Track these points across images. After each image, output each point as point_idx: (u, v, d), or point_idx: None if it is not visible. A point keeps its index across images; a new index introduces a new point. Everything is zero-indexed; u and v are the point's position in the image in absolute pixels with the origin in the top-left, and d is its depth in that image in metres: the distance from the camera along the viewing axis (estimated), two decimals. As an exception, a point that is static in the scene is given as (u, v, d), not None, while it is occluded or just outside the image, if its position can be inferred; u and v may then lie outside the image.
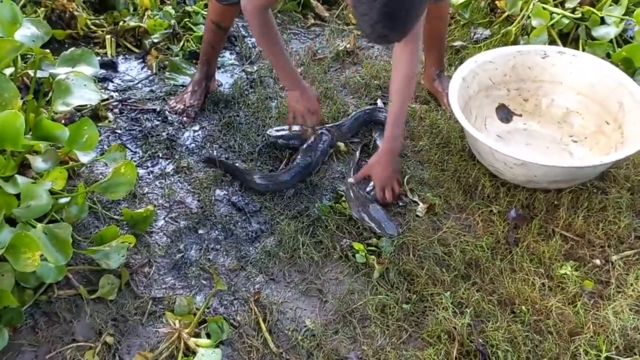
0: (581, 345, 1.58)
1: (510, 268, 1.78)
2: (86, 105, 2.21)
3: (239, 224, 1.91)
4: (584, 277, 1.76)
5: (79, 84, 1.60)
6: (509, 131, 2.28)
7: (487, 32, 2.77)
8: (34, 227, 1.49)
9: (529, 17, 2.63)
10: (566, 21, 2.58)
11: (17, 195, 1.49)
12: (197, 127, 2.26)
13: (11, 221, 1.49)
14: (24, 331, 1.55)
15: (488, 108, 2.28)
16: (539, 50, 2.28)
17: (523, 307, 1.67)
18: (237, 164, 2.08)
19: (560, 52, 2.27)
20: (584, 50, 2.50)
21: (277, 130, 2.18)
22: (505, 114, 2.31)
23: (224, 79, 2.51)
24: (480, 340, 1.57)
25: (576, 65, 2.22)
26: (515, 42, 2.64)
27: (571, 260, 1.81)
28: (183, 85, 2.43)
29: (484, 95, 2.26)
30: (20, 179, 1.51)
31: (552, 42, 2.56)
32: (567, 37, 2.63)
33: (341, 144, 2.17)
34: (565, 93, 2.27)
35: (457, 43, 2.72)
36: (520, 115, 2.32)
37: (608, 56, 2.47)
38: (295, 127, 2.15)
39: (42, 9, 2.50)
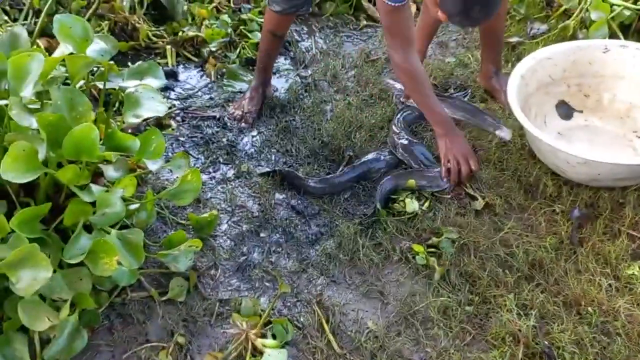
0: (653, 347, 1.54)
1: (575, 269, 1.75)
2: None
3: (299, 227, 1.95)
4: (653, 278, 1.71)
5: (147, 96, 1.67)
6: (570, 128, 2.23)
7: (544, 27, 2.72)
8: (109, 233, 1.57)
9: (587, 10, 2.57)
10: (628, 13, 2.50)
11: (92, 204, 1.58)
12: (255, 133, 2.31)
13: (86, 228, 1.58)
14: (101, 332, 1.63)
15: (548, 105, 2.24)
16: (600, 44, 2.22)
17: (589, 309, 1.64)
18: (290, 169, 2.11)
19: (623, 45, 2.20)
20: (647, 42, 2.41)
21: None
22: (565, 110, 2.26)
23: (279, 84, 2.56)
24: (546, 343, 1.56)
25: (640, 58, 2.16)
26: (573, 37, 2.57)
27: (639, 260, 1.76)
28: (241, 92, 2.49)
29: (544, 92, 2.22)
30: (94, 187, 1.60)
31: (612, 35, 2.49)
32: (629, 30, 2.54)
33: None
34: (628, 87, 2.20)
35: (514, 39, 2.67)
36: (581, 112, 2.27)
37: (674, 48, 2.38)
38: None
39: (106, 22, 2.62)
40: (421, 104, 2.06)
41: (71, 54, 1.58)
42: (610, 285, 1.70)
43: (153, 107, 1.64)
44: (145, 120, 2.25)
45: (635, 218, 1.87)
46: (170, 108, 2.39)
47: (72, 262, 1.42)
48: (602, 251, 1.79)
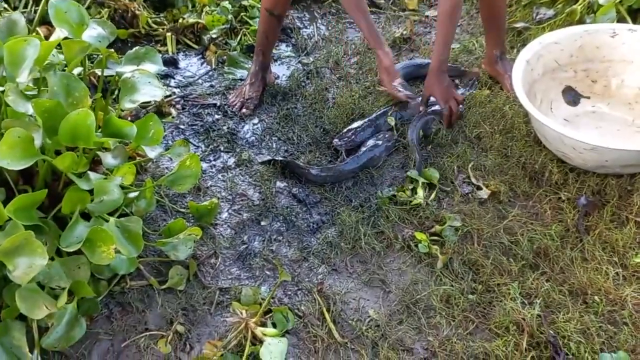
0: (660, 337, 1.51)
1: (581, 257, 1.72)
2: (150, 102, 2.28)
3: (300, 215, 1.92)
4: (661, 266, 1.68)
5: (144, 81, 1.65)
6: (577, 114, 2.19)
7: (551, 12, 2.66)
8: (107, 221, 1.55)
9: (595, -6, 2.51)
10: (637, -4, 2.44)
11: (90, 191, 1.56)
12: (256, 120, 2.29)
13: (85, 216, 1.56)
14: (100, 320, 1.62)
15: (554, 91, 2.20)
16: (608, 28, 2.17)
17: (596, 298, 1.61)
18: (291, 159, 2.09)
19: (631, 29, 2.15)
20: (656, 26, 2.36)
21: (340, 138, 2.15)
22: (572, 96, 2.22)
23: (280, 71, 2.52)
24: (551, 332, 1.53)
25: (649, 42, 2.11)
26: (580, 22, 2.52)
27: (647, 249, 1.73)
28: (242, 79, 2.46)
29: (550, 77, 2.18)
30: (92, 175, 1.58)
31: (620, 19, 2.44)
32: (637, 14, 2.49)
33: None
34: (636, 72, 2.15)
35: (519, 24, 2.63)
36: (589, 98, 2.22)
37: (683, 32, 2.33)
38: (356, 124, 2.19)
39: (106, 9, 2.59)
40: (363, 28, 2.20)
41: (66, 38, 1.55)
42: (617, 273, 1.67)
43: (150, 91, 1.62)
44: (144, 107, 2.24)
45: (643, 205, 1.84)
46: (170, 96, 2.37)
47: (69, 250, 1.40)
48: (609, 239, 1.76)
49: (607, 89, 2.21)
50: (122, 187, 1.72)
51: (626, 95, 2.18)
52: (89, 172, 1.59)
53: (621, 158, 1.81)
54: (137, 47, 1.79)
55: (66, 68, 1.65)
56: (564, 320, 1.56)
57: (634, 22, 2.41)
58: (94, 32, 1.68)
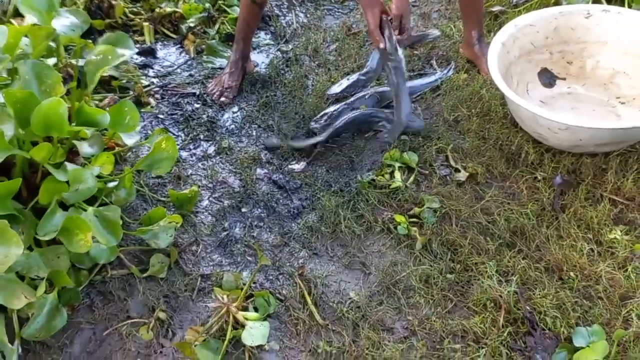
0: (633, 309, 1.54)
1: (557, 235, 1.75)
2: (129, 92, 2.28)
3: (281, 201, 1.93)
4: (634, 241, 1.71)
5: (108, 59, 1.63)
6: (553, 96, 2.22)
7: (527, -5, 2.68)
8: (85, 210, 1.55)
9: (570, -24, 2.53)
10: (610, -22, 2.47)
11: (68, 182, 1.56)
12: (235, 109, 2.29)
13: (64, 206, 1.56)
14: (81, 310, 1.62)
15: (530, 73, 2.22)
16: (582, 9, 2.19)
17: (571, 274, 1.64)
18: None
19: (605, 10, 2.17)
20: (630, 7, 2.39)
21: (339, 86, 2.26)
22: (548, 78, 2.25)
23: (259, 59, 2.52)
24: (528, 308, 1.56)
25: (622, 23, 2.13)
26: (556, 3, 2.54)
27: (621, 225, 1.76)
28: (220, 68, 2.46)
29: (526, 60, 2.20)
30: (69, 165, 1.57)
31: (595, 0, 2.46)
32: (612, -5, 2.52)
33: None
34: (611, 53, 2.18)
35: (496, 8, 2.64)
36: (564, 79, 2.25)
37: (656, 12, 2.36)
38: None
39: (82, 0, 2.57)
40: None
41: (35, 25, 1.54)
42: (592, 250, 1.70)
43: (116, 60, 1.61)
44: (122, 97, 2.24)
45: (617, 183, 1.87)
46: (149, 85, 2.36)
47: (46, 238, 1.41)
48: (584, 217, 1.79)
49: (582, 70, 2.23)
50: (100, 176, 1.72)
51: (601, 75, 2.21)
52: (66, 162, 1.59)
53: (595, 137, 1.84)
54: (108, 34, 1.78)
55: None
56: (540, 296, 1.59)
57: (608, 2, 2.43)
58: (67, 21, 1.67)
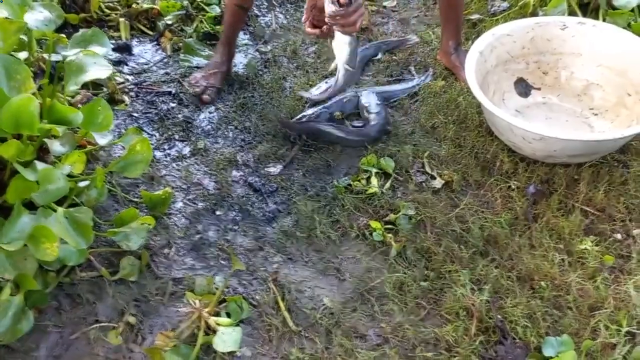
0: (601, 320, 1.57)
1: (529, 244, 1.77)
2: (102, 89, 2.23)
3: (256, 204, 1.92)
4: (604, 252, 1.74)
5: (90, 62, 1.60)
6: (528, 106, 2.25)
7: (505, 4, 2.71)
8: (55, 211, 1.51)
9: (547, -13, 2.57)
10: (586, -10, 2.51)
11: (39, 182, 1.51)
12: (212, 109, 2.26)
13: (32, 206, 1.52)
14: (48, 313, 1.58)
15: (506, 82, 2.24)
16: (558, 21, 2.23)
17: (542, 283, 1.66)
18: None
19: (580, 22, 2.21)
20: (604, 20, 2.43)
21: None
22: (524, 87, 2.27)
23: (237, 60, 2.49)
24: (499, 317, 1.57)
25: (596, 35, 2.17)
26: (533, 14, 2.57)
27: (591, 235, 1.79)
28: (197, 67, 2.42)
29: (502, 69, 2.22)
30: (39, 164, 1.53)
31: (571, 12, 2.49)
32: (587, 7, 2.54)
33: None
34: (585, 65, 2.22)
35: (474, 16, 2.66)
36: (539, 89, 2.28)
37: (629, 26, 2.40)
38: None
39: (56, -7, 2.50)
40: None
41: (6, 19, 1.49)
42: (563, 260, 1.72)
43: (96, 72, 1.58)
44: (96, 95, 2.19)
45: (589, 194, 1.90)
46: (123, 83, 2.31)
47: (11, 249, 1.36)
48: (556, 227, 1.81)
49: (557, 81, 2.27)
50: (71, 176, 1.68)
51: (575, 87, 2.24)
52: (36, 161, 1.55)
53: (567, 147, 1.87)
54: (83, 30, 1.74)
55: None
56: (512, 305, 1.60)
57: (584, 15, 2.47)
58: (40, 16, 1.63)
